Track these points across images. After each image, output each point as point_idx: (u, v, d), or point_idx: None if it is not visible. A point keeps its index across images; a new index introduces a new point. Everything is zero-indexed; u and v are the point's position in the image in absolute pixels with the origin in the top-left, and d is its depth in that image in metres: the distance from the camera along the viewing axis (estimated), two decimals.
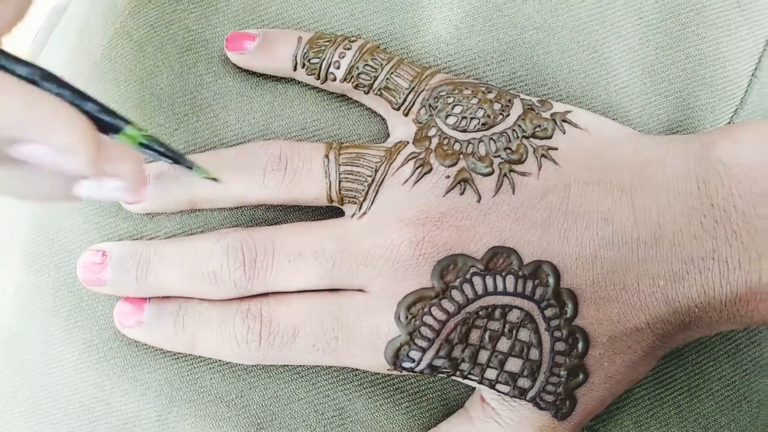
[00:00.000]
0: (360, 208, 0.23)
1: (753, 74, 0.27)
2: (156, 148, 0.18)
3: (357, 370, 0.25)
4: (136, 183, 0.18)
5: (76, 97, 0.16)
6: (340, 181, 0.23)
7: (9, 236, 0.28)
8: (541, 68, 0.25)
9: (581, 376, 0.22)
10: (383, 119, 0.25)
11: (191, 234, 0.25)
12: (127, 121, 0.17)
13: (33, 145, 0.16)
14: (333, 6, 0.25)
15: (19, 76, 0.16)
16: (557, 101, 0.25)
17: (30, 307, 0.26)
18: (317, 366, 0.25)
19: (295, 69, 0.24)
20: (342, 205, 0.24)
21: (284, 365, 0.25)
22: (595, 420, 0.25)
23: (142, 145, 0.18)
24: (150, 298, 0.24)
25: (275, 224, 0.25)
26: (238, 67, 0.25)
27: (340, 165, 0.23)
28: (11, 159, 0.16)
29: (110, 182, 0.18)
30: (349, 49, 0.24)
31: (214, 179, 0.20)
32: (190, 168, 0.19)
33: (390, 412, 0.25)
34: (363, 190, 0.23)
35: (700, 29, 0.26)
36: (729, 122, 0.27)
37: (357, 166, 0.23)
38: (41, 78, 0.16)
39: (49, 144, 0.15)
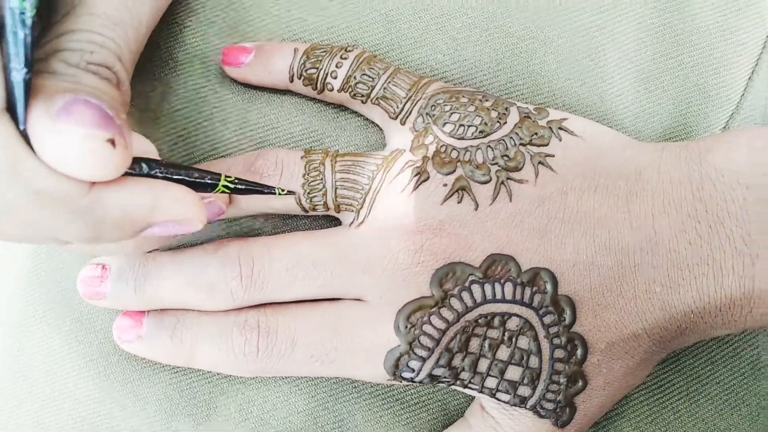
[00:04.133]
0: (357, 217, 0.23)
1: (750, 78, 0.27)
2: (244, 188, 0.22)
3: (357, 381, 0.25)
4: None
5: (179, 173, 0.20)
6: (336, 188, 0.23)
7: (7, 252, 0.28)
8: (538, 77, 0.25)
9: (580, 383, 0.22)
10: (380, 129, 0.26)
11: (190, 246, 0.25)
12: (219, 176, 0.21)
13: (159, 226, 0.19)
14: (329, 18, 0.25)
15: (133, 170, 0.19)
16: (554, 109, 0.25)
17: (30, 320, 0.26)
18: (316, 378, 0.25)
19: (291, 80, 0.24)
20: (338, 213, 0.24)
21: (283, 378, 0.25)
22: (595, 426, 0.25)
23: (233, 189, 0.21)
24: (149, 312, 0.24)
25: (273, 235, 0.25)
26: (235, 81, 0.25)
27: (336, 172, 0.23)
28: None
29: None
30: (345, 58, 0.24)
31: (292, 192, 0.23)
32: (273, 192, 0.22)
33: (390, 424, 0.25)
34: (360, 198, 0.23)
35: (693, 36, 0.26)
36: (724, 127, 0.27)
37: (353, 173, 0.23)
38: (149, 166, 0.19)
39: (173, 221, 0.19)
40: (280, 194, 0.22)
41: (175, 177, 0.20)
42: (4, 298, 0.28)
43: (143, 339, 0.24)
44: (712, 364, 0.26)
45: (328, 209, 0.24)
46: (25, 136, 0.17)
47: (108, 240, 0.19)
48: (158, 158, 0.20)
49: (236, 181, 0.21)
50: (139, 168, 0.19)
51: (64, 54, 0.18)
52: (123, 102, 0.19)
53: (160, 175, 0.19)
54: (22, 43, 0.16)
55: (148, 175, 0.19)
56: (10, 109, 0.16)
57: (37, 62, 0.18)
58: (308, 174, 0.23)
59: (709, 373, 0.26)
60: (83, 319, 0.26)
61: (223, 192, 0.21)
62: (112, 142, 0.17)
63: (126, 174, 0.18)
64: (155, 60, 0.25)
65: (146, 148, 0.21)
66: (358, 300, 0.23)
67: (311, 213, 0.24)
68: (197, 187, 0.20)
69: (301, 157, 0.24)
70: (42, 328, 0.26)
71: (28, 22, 0.16)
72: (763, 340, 0.27)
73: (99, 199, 0.18)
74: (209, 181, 0.21)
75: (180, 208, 0.19)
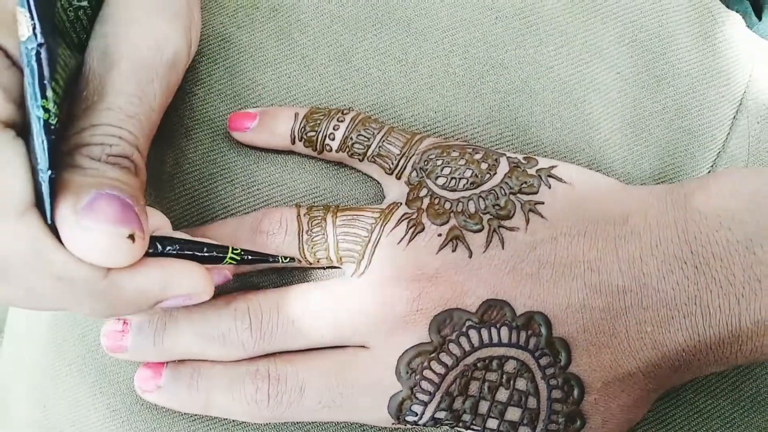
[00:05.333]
0: (358, 268, 0.25)
1: (734, 117, 0.28)
2: (249, 258, 0.24)
3: (365, 424, 0.26)
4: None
5: (190, 248, 0.22)
6: (338, 242, 0.25)
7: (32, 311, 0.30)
8: (526, 128, 0.27)
9: (578, 422, 0.23)
10: (379, 183, 0.27)
11: None
12: (227, 249, 0.23)
13: (169, 301, 0.21)
14: (327, 82, 0.27)
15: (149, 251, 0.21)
16: (543, 157, 0.26)
17: (57, 373, 0.28)
18: (326, 422, 0.26)
19: (293, 143, 0.26)
20: (341, 264, 0.25)
21: (294, 423, 0.26)
22: None
23: (239, 260, 0.23)
24: (167, 363, 0.26)
25: (282, 287, 0.26)
26: (241, 143, 0.27)
27: (337, 227, 0.25)
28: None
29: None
30: (342, 121, 0.26)
31: (293, 259, 0.25)
32: (277, 261, 0.24)
33: None
34: (360, 250, 0.25)
35: (674, 80, 0.28)
36: (712, 166, 0.28)
37: (353, 227, 0.25)
38: (162, 245, 0.21)
39: (183, 296, 0.21)
40: (282, 262, 0.24)
41: (186, 253, 0.22)
42: (32, 351, 0.29)
43: (162, 389, 0.25)
44: (713, 397, 0.27)
45: (331, 262, 0.25)
46: (52, 228, 0.18)
47: (122, 314, 0.21)
48: (171, 234, 0.22)
49: (242, 253, 0.23)
50: (153, 248, 0.21)
51: (87, 149, 0.20)
52: (141, 186, 0.21)
53: (172, 252, 0.21)
54: (47, 148, 0.18)
55: (161, 254, 0.21)
56: (39, 205, 0.18)
57: (63, 155, 0.19)
58: (311, 230, 0.25)
59: (711, 407, 0.27)
60: (107, 371, 0.27)
61: (229, 263, 0.23)
62: (132, 237, 0.19)
63: None
64: (167, 127, 0.27)
65: (160, 223, 0.23)
66: (362, 347, 0.24)
67: (315, 266, 0.25)
68: (207, 260, 0.22)
69: (304, 215, 0.25)
70: (68, 380, 0.28)
71: (53, 128, 0.18)
72: (761, 373, 0.27)
73: (115, 282, 0.20)
74: (217, 255, 0.23)
75: (189, 283, 0.21)
